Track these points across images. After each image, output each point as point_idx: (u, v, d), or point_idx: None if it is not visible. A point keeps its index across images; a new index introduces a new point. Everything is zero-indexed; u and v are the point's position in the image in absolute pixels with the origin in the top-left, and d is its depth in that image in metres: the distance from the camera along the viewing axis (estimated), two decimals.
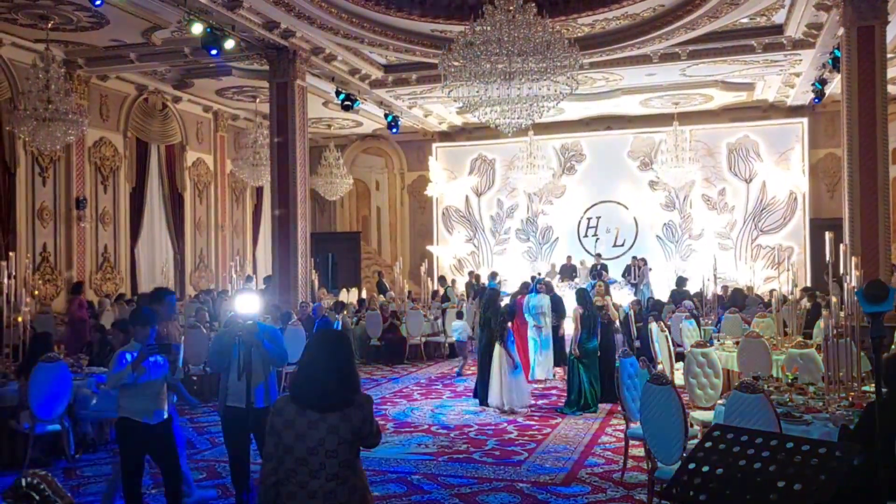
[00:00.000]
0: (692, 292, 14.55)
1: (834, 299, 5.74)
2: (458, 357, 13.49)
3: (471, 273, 18.63)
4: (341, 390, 3.03)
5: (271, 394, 5.22)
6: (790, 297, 10.29)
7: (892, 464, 3.66)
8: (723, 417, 4.98)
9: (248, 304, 5.10)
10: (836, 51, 12.14)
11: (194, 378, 10.26)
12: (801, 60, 14.56)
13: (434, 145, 21.54)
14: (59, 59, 13.00)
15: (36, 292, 12.05)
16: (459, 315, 13.17)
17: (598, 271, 18.10)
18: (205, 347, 10.02)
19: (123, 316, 11.80)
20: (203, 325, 10.87)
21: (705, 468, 2.25)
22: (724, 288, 14.85)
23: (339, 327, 11.71)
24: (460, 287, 18.41)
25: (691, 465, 2.30)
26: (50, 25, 12.06)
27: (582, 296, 9.77)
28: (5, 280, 7.55)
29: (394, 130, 18.83)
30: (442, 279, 18.40)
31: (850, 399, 5.15)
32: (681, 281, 14.88)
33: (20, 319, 7.45)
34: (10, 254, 7.84)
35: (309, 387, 3.04)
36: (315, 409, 3.00)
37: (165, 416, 5.10)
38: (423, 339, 14.28)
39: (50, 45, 11.94)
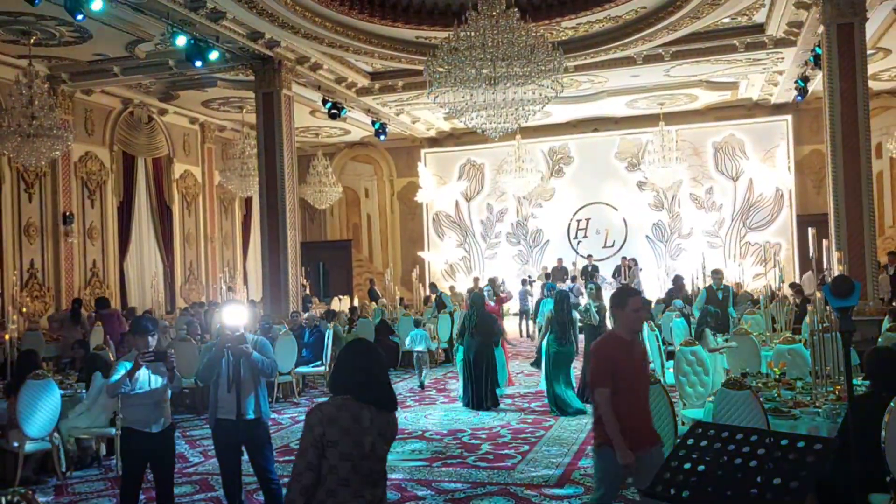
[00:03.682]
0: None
1: (819, 294, 5.78)
2: (451, 363, 13.40)
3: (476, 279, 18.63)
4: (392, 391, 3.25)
5: (262, 405, 5.20)
6: (778, 292, 10.34)
7: (874, 456, 3.69)
8: (712, 415, 5.01)
9: (235, 316, 5.10)
10: (817, 48, 12.24)
11: (186, 391, 10.21)
12: (783, 58, 14.68)
13: (423, 151, 21.59)
14: (43, 74, 12.98)
15: (24, 309, 11.98)
16: (417, 323, 12.34)
17: (589, 273, 18.16)
18: (195, 360, 9.98)
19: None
20: (194, 338, 10.82)
21: (687, 465, 2.27)
22: None
23: (331, 336, 11.69)
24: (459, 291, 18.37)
25: (674, 463, 2.32)
26: (32, 41, 12.03)
27: (556, 298, 9.74)
28: None
29: (382, 137, 18.86)
30: (433, 286, 18.37)
31: (838, 393, 5.18)
32: (677, 279, 14.90)
33: (7, 337, 7.40)
34: None
35: (378, 387, 3.16)
36: (384, 407, 3.13)
37: (168, 424, 5.10)
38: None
39: (33, 61, 11.91)
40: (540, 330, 11.19)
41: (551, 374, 9.40)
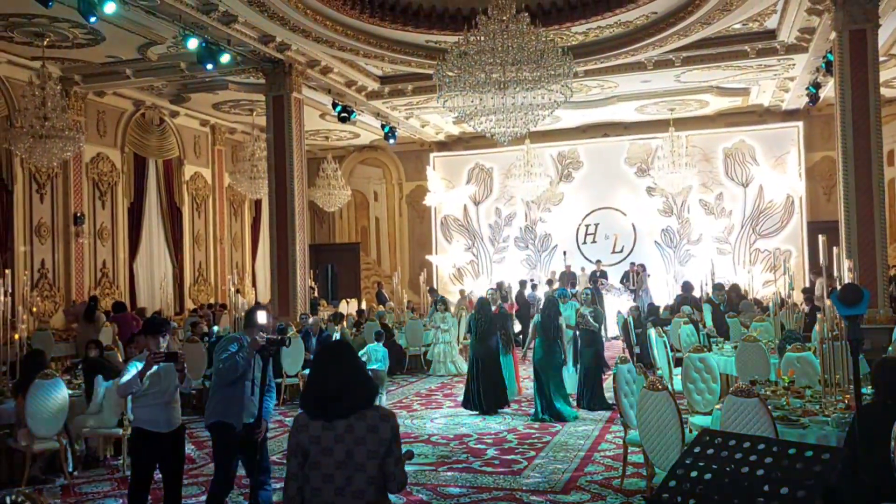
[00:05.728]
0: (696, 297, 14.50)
1: (828, 302, 5.74)
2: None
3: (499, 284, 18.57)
4: (348, 395, 3.02)
5: (268, 406, 5.27)
6: (788, 300, 10.28)
7: (882, 466, 3.65)
8: (719, 422, 4.98)
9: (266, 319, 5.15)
10: (828, 55, 12.18)
11: (193, 392, 10.23)
12: (794, 65, 14.61)
13: (431, 155, 21.59)
14: (56, 76, 13.06)
15: (34, 309, 12.04)
16: (379, 336, 10.37)
17: (597, 278, 18.10)
18: (202, 362, 10.02)
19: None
20: (200, 339, 10.86)
21: (694, 473, 2.25)
22: None
23: (339, 339, 11.70)
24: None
25: (680, 471, 2.30)
26: (46, 43, 12.12)
27: (545, 303, 9.68)
28: (1, 297, 7.55)
29: (391, 141, 18.89)
30: (432, 290, 18.25)
31: (847, 402, 5.14)
32: (685, 286, 14.85)
33: (17, 337, 7.44)
34: (7, 271, 7.85)
35: (314, 399, 3.06)
36: (327, 417, 2.99)
37: (178, 424, 5.11)
38: (423, 349, 14.27)
39: (46, 63, 11.99)
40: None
41: (542, 383, 9.37)
